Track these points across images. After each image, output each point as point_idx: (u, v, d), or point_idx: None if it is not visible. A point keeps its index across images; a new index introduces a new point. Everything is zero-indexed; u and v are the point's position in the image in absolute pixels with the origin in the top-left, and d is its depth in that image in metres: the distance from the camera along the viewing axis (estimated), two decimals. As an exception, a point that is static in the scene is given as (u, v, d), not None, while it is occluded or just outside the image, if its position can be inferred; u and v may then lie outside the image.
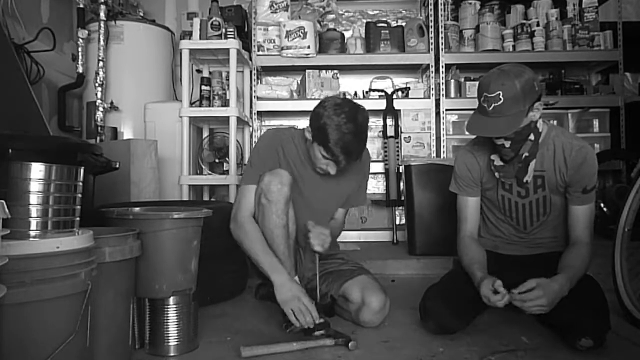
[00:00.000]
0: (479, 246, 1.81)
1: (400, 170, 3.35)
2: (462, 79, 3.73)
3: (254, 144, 3.66)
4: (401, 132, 3.58)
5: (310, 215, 1.82)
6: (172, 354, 1.51)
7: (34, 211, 1.11)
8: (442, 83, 3.61)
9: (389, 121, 3.57)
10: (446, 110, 3.59)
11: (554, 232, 1.81)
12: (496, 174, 1.72)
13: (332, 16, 3.90)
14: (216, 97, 3.22)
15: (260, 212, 1.75)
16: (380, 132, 3.70)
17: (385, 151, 3.51)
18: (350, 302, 1.80)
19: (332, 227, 1.93)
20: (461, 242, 1.82)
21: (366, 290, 1.77)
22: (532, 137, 1.64)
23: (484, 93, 1.57)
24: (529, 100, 1.55)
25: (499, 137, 1.61)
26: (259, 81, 3.81)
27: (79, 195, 1.21)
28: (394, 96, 3.58)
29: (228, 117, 3.15)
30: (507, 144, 1.61)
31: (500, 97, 1.52)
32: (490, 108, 1.55)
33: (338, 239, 2.07)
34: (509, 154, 1.66)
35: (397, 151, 3.49)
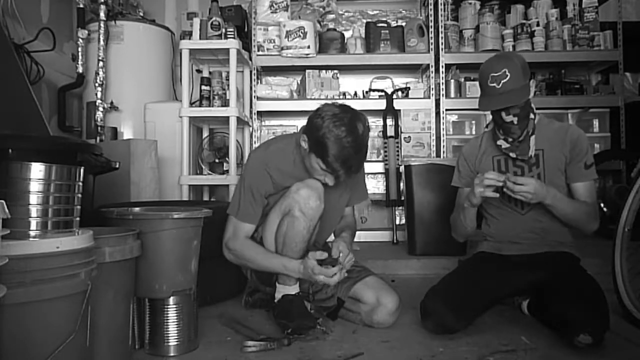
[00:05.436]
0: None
1: (400, 170, 3.35)
2: (462, 79, 3.72)
3: (253, 146, 3.67)
4: (401, 132, 3.58)
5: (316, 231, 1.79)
6: (172, 354, 1.51)
7: (34, 211, 1.11)
8: (442, 83, 3.61)
9: (389, 121, 3.57)
10: (446, 110, 3.58)
11: (550, 218, 1.84)
12: (511, 154, 1.84)
13: (332, 16, 3.90)
14: (216, 97, 3.22)
15: (289, 223, 1.69)
16: (380, 132, 3.69)
17: (385, 151, 3.51)
18: (362, 303, 1.79)
19: (348, 225, 1.96)
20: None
21: (381, 292, 1.77)
22: (531, 115, 1.82)
23: (490, 74, 1.73)
24: (527, 76, 1.75)
25: (508, 114, 1.75)
26: (259, 81, 3.81)
27: (79, 195, 1.21)
28: (394, 96, 3.58)
29: (228, 117, 3.15)
30: (515, 120, 1.76)
31: (507, 73, 1.70)
32: (500, 85, 1.71)
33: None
34: (516, 132, 1.79)
35: (397, 151, 3.49)
